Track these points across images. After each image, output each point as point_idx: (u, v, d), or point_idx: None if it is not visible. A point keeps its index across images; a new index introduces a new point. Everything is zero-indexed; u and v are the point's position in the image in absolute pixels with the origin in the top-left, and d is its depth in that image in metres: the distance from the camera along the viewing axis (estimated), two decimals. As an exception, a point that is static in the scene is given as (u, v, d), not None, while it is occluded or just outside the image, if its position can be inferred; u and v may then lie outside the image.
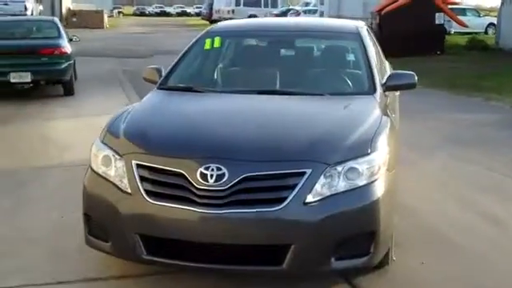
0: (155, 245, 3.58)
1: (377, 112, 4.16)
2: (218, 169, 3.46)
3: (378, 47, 5.75)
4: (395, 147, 4.08)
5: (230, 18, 33.68)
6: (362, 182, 3.55)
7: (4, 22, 12.54)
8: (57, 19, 12.71)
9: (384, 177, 3.65)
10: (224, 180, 3.42)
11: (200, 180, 3.44)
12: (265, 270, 3.51)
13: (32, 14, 27.91)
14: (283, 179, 3.47)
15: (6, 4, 27.35)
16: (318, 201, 3.44)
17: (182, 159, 3.56)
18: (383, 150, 3.73)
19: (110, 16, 46.54)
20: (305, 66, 5.07)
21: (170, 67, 4.92)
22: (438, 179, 6.05)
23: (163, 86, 4.74)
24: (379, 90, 4.53)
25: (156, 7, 69.29)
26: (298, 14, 33.64)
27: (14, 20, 12.90)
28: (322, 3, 26.47)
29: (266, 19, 6.17)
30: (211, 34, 5.24)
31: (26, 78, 10.44)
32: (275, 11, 37.93)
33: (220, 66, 5.16)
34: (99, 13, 35.17)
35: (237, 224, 3.43)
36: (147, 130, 3.91)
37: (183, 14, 64.85)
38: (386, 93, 4.68)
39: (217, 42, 5.15)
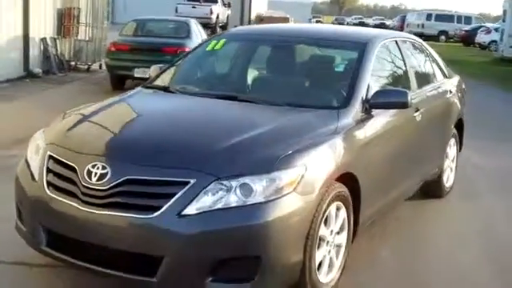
0: (53, 237, 3.59)
1: (322, 129, 3.79)
2: (103, 168, 3.37)
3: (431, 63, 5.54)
4: (339, 167, 3.70)
5: (421, 33, 33.12)
6: (254, 200, 3.24)
7: (142, 21, 13.37)
8: (191, 21, 13.29)
9: (289, 199, 3.30)
10: (105, 180, 3.33)
11: (85, 177, 3.38)
12: (136, 279, 3.32)
13: (218, 18, 29.46)
14: (164, 187, 3.28)
15: (193, 7, 29.14)
16: (198, 214, 3.19)
17: (78, 154, 3.53)
18: (295, 170, 3.37)
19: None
20: (286, 74, 4.78)
21: (165, 67, 4.92)
22: None
23: (149, 85, 4.73)
24: (355, 106, 4.11)
25: (355, 18, 69.37)
26: (488, 31, 31.77)
27: (152, 19, 13.67)
28: (503, 20, 24.62)
29: (287, 25, 5.84)
30: (219, 37, 5.14)
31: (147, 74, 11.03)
32: (466, 27, 36.10)
33: (204, 68, 5.02)
34: (286, 20, 36.17)
35: (111, 227, 3.30)
36: (77, 123, 3.93)
37: (381, 25, 64.12)
38: (391, 112, 4.40)
39: (219, 44, 5.03)
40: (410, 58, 5.23)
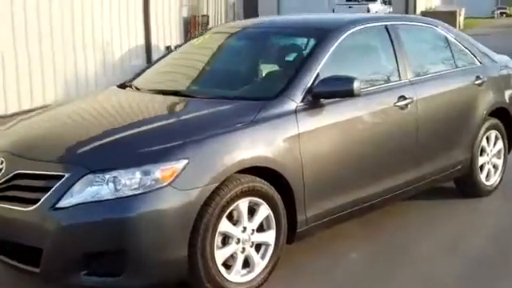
0: None
1: (235, 120, 3.63)
2: (1, 163, 3.53)
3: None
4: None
5: None
6: (122, 194, 3.20)
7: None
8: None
9: (163, 193, 3.21)
10: (1, 174, 3.49)
11: None
12: (26, 269, 3.42)
13: (377, 17, 28.78)
14: (44, 180, 3.34)
15: (350, 7, 28.87)
16: (71, 207, 3.21)
17: None
18: (172, 164, 3.26)
19: (491, 17, 44.87)
20: (235, 67, 4.65)
21: (148, 65, 5.01)
22: None
23: (120, 83, 4.83)
24: (289, 96, 3.87)
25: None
26: None
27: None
28: None
29: (273, 16, 5.51)
30: (205, 32, 5.11)
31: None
32: None
33: (175, 64, 4.98)
34: (453, 14, 34.40)
35: (3, 219, 3.43)
36: (15, 123, 4.18)
37: None
38: (352, 102, 4.04)
39: (201, 40, 5.00)
40: (407, 45, 4.75)
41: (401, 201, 4.90)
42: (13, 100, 9.27)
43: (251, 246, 3.63)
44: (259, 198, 3.61)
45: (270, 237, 3.72)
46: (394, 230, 4.67)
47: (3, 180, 3.46)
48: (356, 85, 3.91)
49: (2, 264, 3.60)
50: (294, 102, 3.86)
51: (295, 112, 3.83)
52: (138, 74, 4.92)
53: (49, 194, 3.27)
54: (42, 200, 3.27)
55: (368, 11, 28.28)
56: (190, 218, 3.30)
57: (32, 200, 3.32)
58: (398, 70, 4.61)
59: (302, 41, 4.53)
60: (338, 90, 3.93)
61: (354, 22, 4.54)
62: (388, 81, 4.55)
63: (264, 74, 4.48)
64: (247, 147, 3.56)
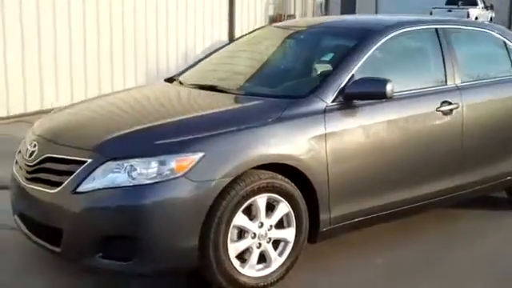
0: (18, 211, 3.97)
1: (260, 117, 3.65)
2: (34, 146, 3.73)
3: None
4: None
5: None
6: (138, 182, 3.30)
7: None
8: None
9: (177, 183, 3.29)
10: (33, 157, 3.68)
11: (25, 154, 3.78)
12: (49, 248, 3.59)
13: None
14: (68, 165, 3.49)
15: (449, 11, 28.02)
16: (89, 192, 3.35)
17: (32, 134, 3.93)
18: (188, 155, 3.33)
19: None
20: (276, 65, 4.65)
21: (197, 60, 5.11)
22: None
23: (168, 77, 4.95)
24: (320, 95, 3.85)
25: None
26: None
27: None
28: None
29: (332, 17, 5.37)
30: (263, 28, 5.17)
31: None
32: None
33: (219, 57, 5.04)
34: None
35: (31, 200, 3.63)
36: (59, 111, 4.39)
37: None
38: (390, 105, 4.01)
39: (255, 36, 5.08)
40: (458, 49, 4.59)
41: (448, 208, 4.77)
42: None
43: (268, 242, 3.64)
44: (279, 195, 3.61)
45: (289, 234, 3.71)
46: (430, 237, 4.54)
47: (35, 162, 3.65)
48: (389, 87, 3.83)
49: (34, 243, 3.79)
50: (324, 101, 3.84)
51: (324, 112, 3.81)
52: (189, 68, 5.03)
53: (71, 177, 3.41)
54: (65, 183, 3.43)
55: (468, 16, 27.37)
56: (202, 209, 3.35)
57: (57, 183, 3.48)
58: (445, 75, 4.47)
59: (343, 41, 4.47)
60: (370, 91, 3.88)
61: (399, 25, 4.44)
62: (431, 85, 4.42)
63: (301, 73, 4.46)
64: (268, 144, 3.57)
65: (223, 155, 3.43)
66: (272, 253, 3.67)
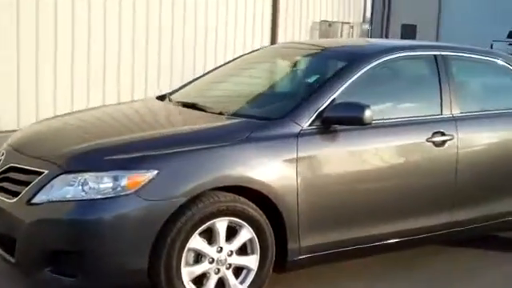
0: None
1: (227, 137, 3.52)
2: (2, 155, 3.73)
3: None
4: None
5: None
6: (88, 196, 3.22)
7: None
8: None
9: (127, 200, 3.18)
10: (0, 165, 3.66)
11: None
12: (6, 258, 3.53)
13: None
14: (27, 175, 3.44)
15: (510, 44, 27.21)
16: (43, 203, 3.28)
17: (4, 144, 3.93)
18: (141, 173, 3.23)
19: None
20: (263, 86, 4.52)
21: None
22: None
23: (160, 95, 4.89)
24: (294, 118, 3.69)
25: None
26: None
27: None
28: None
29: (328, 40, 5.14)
30: (262, 48, 5.12)
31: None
32: None
33: (215, 75, 4.95)
34: None
35: None
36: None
37: None
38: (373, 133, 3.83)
39: (252, 56, 5.03)
40: (458, 77, 4.34)
41: (448, 245, 4.56)
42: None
43: (228, 268, 3.49)
44: (241, 219, 3.46)
45: (251, 261, 3.55)
46: (417, 275, 4.27)
47: (0, 171, 3.63)
48: (367, 113, 3.64)
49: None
50: (298, 125, 3.68)
51: (297, 135, 3.65)
52: (187, 84, 4.95)
53: (28, 188, 3.36)
54: (21, 194, 3.38)
55: (529, 49, 26.47)
56: (152, 229, 3.24)
57: (16, 193, 3.44)
58: (441, 104, 4.22)
59: (333, 64, 4.31)
60: (347, 116, 3.70)
61: (394, 50, 4.24)
62: (424, 114, 4.19)
63: (286, 95, 4.32)
64: (229, 165, 3.44)
65: (179, 174, 3.31)
66: (232, 280, 3.51)
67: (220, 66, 5.06)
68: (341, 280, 4.08)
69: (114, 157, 3.34)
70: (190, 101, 4.33)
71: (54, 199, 3.27)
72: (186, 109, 4.19)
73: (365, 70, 3.99)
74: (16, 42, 7.97)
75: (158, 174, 3.25)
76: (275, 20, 12.85)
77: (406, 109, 4.18)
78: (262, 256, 3.56)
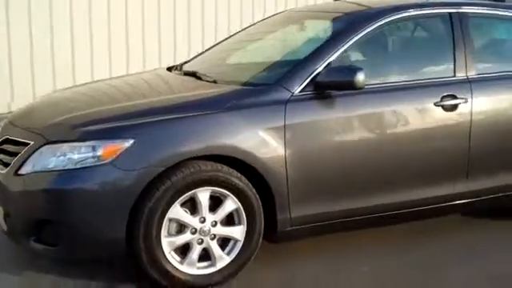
0: None
1: (212, 105, 3.44)
2: (1, 128, 3.81)
3: None
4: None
5: None
6: (66, 166, 3.24)
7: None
8: None
9: (102, 170, 3.18)
10: None
11: None
12: (2, 227, 3.62)
13: None
14: (17, 146, 3.50)
15: None
16: (28, 174, 3.33)
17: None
18: (116, 142, 3.22)
19: None
20: (268, 52, 4.40)
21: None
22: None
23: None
24: (284, 83, 3.57)
25: None
26: None
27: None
28: None
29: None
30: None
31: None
32: None
33: (227, 42, 4.87)
34: None
35: None
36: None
37: None
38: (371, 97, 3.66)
39: (264, 23, 4.91)
40: (477, 36, 4.04)
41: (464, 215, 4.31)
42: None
43: (212, 239, 3.43)
44: (225, 189, 3.39)
45: (237, 232, 3.48)
46: (428, 247, 4.04)
47: None
48: (359, 76, 3.46)
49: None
50: (288, 90, 3.54)
51: (286, 102, 3.51)
52: (200, 54, 4.90)
53: (15, 159, 3.43)
54: (11, 165, 3.45)
55: None
56: (129, 199, 3.22)
57: (7, 164, 3.52)
58: (454, 66, 3.95)
59: (335, 27, 4.09)
60: (338, 80, 3.52)
61: (400, 8, 3.97)
62: (433, 77, 3.92)
63: (286, 62, 4.14)
64: (211, 134, 3.36)
65: (155, 143, 3.27)
66: (217, 251, 3.45)
67: (235, 34, 4.95)
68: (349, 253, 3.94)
69: (91, 127, 3.34)
70: (192, 70, 4.26)
71: (38, 170, 3.31)
72: (185, 77, 4.13)
73: (366, 31, 3.78)
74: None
75: (133, 143, 3.22)
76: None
77: (412, 72, 3.94)
78: (249, 227, 3.49)
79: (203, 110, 3.41)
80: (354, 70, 3.49)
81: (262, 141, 3.43)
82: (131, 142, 3.22)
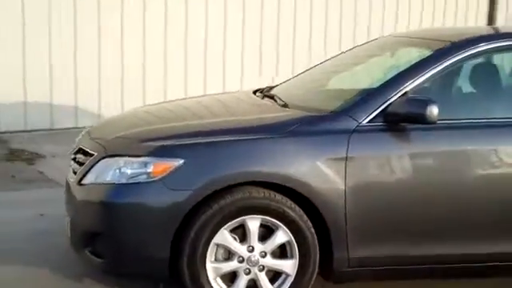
0: None
1: (271, 129, 3.31)
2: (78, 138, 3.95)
3: None
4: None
5: None
6: (120, 180, 3.27)
7: None
8: None
9: (151, 187, 3.17)
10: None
11: None
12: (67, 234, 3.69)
13: None
14: (86, 157, 3.59)
15: None
16: (87, 185, 3.41)
17: None
18: (167, 160, 3.18)
19: None
20: (358, 82, 4.13)
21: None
22: None
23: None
24: (350, 112, 3.35)
25: None
26: None
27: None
28: None
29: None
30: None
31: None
32: None
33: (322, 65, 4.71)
34: None
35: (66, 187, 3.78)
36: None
37: None
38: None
39: (360, 48, 4.67)
40: None
41: None
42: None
43: (261, 270, 3.27)
44: (276, 218, 3.23)
45: (289, 266, 3.30)
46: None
47: (73, 153, 3.85)
48: (430, 109, 3.15)
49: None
50: (355, 120, 3.31)
51: (351, 132, 3.28)
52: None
53: (81, 169, 3.52)
54: (77, 174, 3.55)
55: None
56: (174, 219, 3.17)
57: (75, 173, 3.62)
58: None
59: (420, 54, 3.77)
60: (408, 112, 3.23)
61: (490, 38, 3.58)
62: None
63: (362, 89, 3.86)
64: (264, 159, 3.22)
65: (205, 165, 3.19)
66: (265, 284, 3.29)
67: (330, 59, 4.76)
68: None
69: (146, 144, 3.34)
70: (272, 93, 4.15)
71: (97, 181, 3.37)
72: (262, 101, 4.03)
73: (450, 61, 3.45)
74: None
75: (184, 162, 3.18)
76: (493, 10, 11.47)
77: (500, 108, 3.52)
78: (302, 262, 3.29)
79: (261, 134, 3.29)
80: (425, 101, 3.19)
81: (319, 171, 3.22)
82: (181, 161, 3.18)
